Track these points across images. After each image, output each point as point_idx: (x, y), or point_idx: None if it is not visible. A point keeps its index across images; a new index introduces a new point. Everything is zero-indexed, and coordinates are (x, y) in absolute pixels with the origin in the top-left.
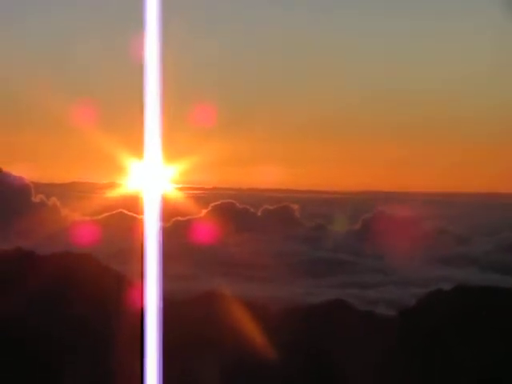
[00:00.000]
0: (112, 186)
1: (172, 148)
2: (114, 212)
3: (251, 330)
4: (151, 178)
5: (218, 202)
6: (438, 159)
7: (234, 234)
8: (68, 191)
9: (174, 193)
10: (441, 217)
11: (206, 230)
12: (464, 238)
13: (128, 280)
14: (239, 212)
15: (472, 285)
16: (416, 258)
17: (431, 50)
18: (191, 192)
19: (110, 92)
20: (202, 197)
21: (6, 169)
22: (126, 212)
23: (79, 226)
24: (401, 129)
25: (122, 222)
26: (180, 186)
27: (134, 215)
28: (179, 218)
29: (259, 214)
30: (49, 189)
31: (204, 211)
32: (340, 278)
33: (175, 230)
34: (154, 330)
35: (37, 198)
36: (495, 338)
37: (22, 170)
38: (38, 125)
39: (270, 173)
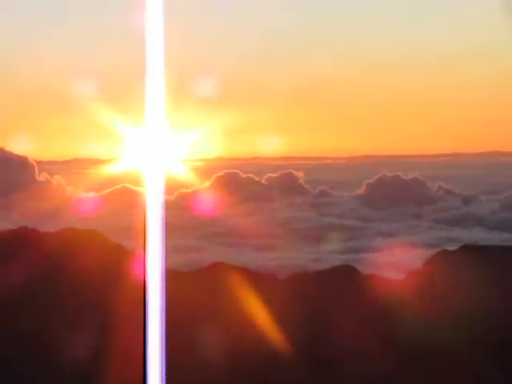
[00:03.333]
0: (114, 160)
1: (174, 120)
2: (118, 187)
3: (259, 300)
4: (153, 151)
5: (221, 173)
6: (440, 121)
7: (239, 203)
8: (71, 168)
9: (176, 165)
10: (445, 178)
11: (211, 201)
12: (469, 198)
13: (133, 254)
14: (243, 181)
15: (478, 244)
16: (422, 219)
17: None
18: (194, 163)
19: (110, 66)
20: (205, 168)
21: (8, 148)
22: (129, 186)
23: (83, 202)
24: (401, 94)
25: (126, 197)
26: (183, 157)
27: (138, 189)
28: (183, 190)
29: (263, 182)
30: (52, 166)
31: (208, 182)
32: (346, 244)
33: (179, 202)
34: (157, 304)
35: (41, 177)
36: (504, 297)
37: (25, 149)
38: (38, 103)
39: (272, 141)
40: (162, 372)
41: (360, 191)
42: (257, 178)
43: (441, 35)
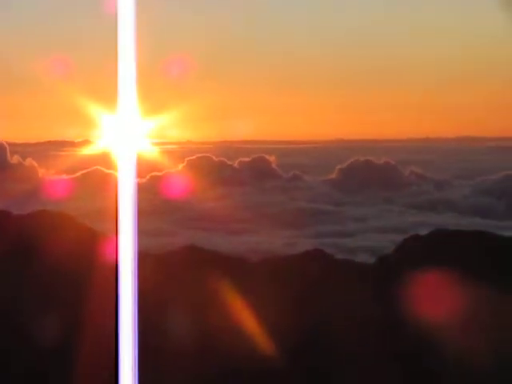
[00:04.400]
0: (87, 143)
1: (146, 103)
2: (90, 169)
3: (229, 284)
4: (126, 134)
5: (194, 157)
6: (411, 106)
7: (211, 187)
8: (43, 150)
9: (149, 148)
10: (417, 163)
11: (183, 185)
12: (441, 182)
13: (105, 237)
14: (216, 165)
15: (450, 229)
16: (393, 204)
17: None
18: (166, 147)
19: (82, 47)
20: (178, 151)
21: None
22: (102, 169)
23: (56, 184)
24: (372, 75)
25: (99, 179)
26: (155, 141)
27: (111, 172)
28: (155, 174)
29: (236, 166)
30: (24, 148)
31: (180, 166)
32: (318, 228)
33: (151, 185)
34: (129, 287)
35: (13, 159)
36: (473, 282)
37: None
38: (8, 84)
39: (244, 125)
40: (134, 354)
41: (332, 175)
42: (229, 162)
43: (416, 23)
